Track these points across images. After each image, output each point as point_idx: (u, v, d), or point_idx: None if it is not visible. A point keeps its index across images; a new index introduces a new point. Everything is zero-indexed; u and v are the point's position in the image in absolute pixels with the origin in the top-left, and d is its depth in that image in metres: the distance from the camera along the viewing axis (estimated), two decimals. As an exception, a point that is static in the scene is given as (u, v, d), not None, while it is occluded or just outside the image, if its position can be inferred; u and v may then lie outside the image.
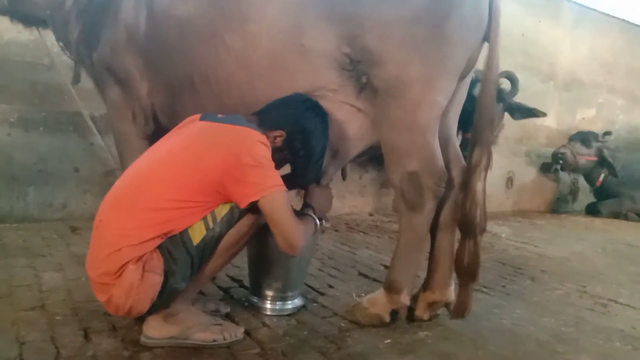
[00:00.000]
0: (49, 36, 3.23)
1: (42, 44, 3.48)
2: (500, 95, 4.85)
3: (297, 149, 1.99)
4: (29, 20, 3.22)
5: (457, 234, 2.24)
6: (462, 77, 2.16)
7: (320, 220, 2.28)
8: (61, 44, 3.10)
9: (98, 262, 1.73)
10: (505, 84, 4.99)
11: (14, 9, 3.10)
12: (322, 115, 2.05)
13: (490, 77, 2.11)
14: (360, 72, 2.05)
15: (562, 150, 6.68)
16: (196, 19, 2.30)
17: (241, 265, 2.79)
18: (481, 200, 2.10)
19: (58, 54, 3.30)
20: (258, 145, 1.79)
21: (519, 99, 5.13)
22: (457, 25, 1.99)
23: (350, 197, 5.35)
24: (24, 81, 3.88)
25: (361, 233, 4.46)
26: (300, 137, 1.98)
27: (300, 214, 2.08)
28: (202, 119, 1.96)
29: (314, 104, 2.05)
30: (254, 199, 1.75)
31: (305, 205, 2.17)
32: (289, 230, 1.81)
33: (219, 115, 1.96)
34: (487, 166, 2.10)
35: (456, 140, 2.35)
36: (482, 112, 2.13)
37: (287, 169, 2.09)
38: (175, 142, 1.90)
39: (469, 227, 2.11)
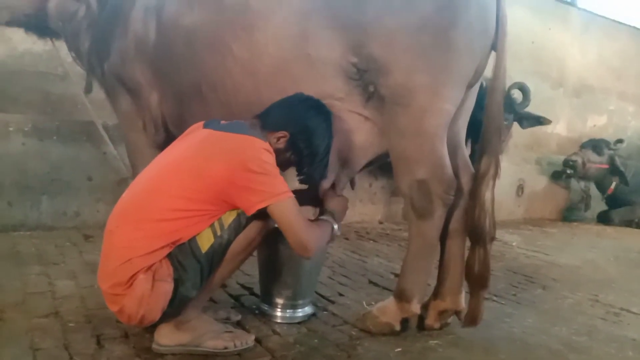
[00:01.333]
0: (62, 47, 3.28)
1: (56, 55, 3.52)
2: (512, 106, 4.85)
3: (301, 148, 1.98)
4: (42, 31, 3.27)
5: (468, 242, 2.25)
6: (471, 85, 2.17)
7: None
8: (73, 54, 3.14)
9: (108, 273, 1.75)
10: (517, 95, 4.99)
11: (28, 21, 3.15)
12: (325, 113, 2.04)
13: (497, 86, 2.12)
14: (367, 81, 2.06)
15: (574, 157, 6.64)
16: (203, 28, 2.32)
17: (252, 272, 2.80)
18: (490, 209, 2.11)
19: (71, 64, 3.35)
20: (262, 153, 1.80)
21: (529, 106, 5.13)
22: (462, 33, 2.00)
23: (360, 205, 5.35)
24: (37, 91, 3.94)
25: (371, 241, 4.46)
26: (303, 137, 1.97)
27: (317, 219, 2.08)
28: (205, 126, 1.97)
29: (315, 102, 2.04)
30: (261, 206, 1.76)
31: (324, 211, 2.17)
32: (301, 233, 1.82)
33: (222, 122, 1.96)
34: (495, 175, 2.11)
35: (465, 148, 2.35)
36: (489, 121, 2.14)
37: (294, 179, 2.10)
38: (179, 151, 1.92)
39: (478, 236, 2.12)
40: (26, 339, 1.92)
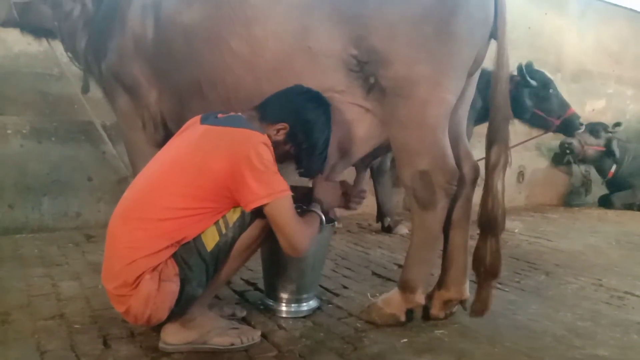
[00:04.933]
0: (58, 47, 3.27)
1: (52, 55, 3.51)
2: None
3: (301, 141, 1.96)
4: (38, 31, 3.25)
5: (471, 231, 2.26)
6: (470, 74, 2.16)
7: (331, 220, 2.28)
8: (69, 54, 3.13)
9: (113, 274, 1.75)
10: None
11: (24, 21, 3.14)
12: (324, 106, 2.02)
13: (501, 75, 2.11)
14: (368, 72, 2.05)
15: (570, 140, 6.66)
16: (201, 25, 2.31)
17: (255, 268, 2.80)
18: (502, 199, 2.11)
19: (67, 64, 3.34)
20: (261, 148, 1.77)
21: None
22: (463, 23, 1.99)
23: (361, 197, 5.33)
24: (34, 92, 3.92)
25: (373, 233, 4.46)
26: (303, 129, 1.95)
27: (305, 210, 2.07)
28: (202, 121, 1.94)
29: (315, 94, 2.02)
30: (259, 204, 1.75)
31: (312, 200, 2.15)
32: (293, 234, 1.81)
33: (219, 116, 1.94)
34: (506, 164, 2.12)
35: (466, 137, 2.35)
36: (496, 111, 2.13)
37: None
38: (178, 148, 1.90)
39: (491, 226, 2.12)
40: (32, 342, 1.92)
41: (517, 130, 6.21)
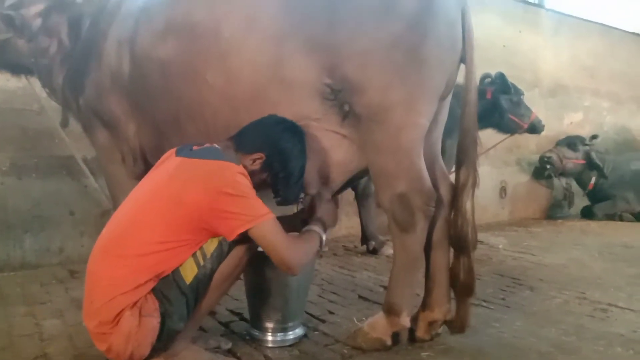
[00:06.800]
0: (37, 82, 3.28)
1: (31, 90, 3.52)
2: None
3: (277, 170, 1.99)
4: (15, 68, 3.26)
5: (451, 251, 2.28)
6: (442, 97, 2.21)
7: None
8: (47, 90, 3.14)
9: (93, 312, 1.74)
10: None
11: (0, 59, 3.15)
12: (299, 135, 2.05)
13: (470, 99, 2.16)
14: (342, 100, 2.09)
15: (548, 154, 6.77)
16: (177, 59, 2.33)
17: (241, 297, 2.79)
18: (471, 218, 2.14)
19: (47, 99, 3.35)
20: (237, 177, 1.79)
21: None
22: (433, 48, 2.04)
23: (346, 219, 5.35)
24: (14, 128, 3.90)
25: (359, 255, 4.47)
26: (279, 159, 1.98)
27: (304, 230, 2.08)
28: (177, 153, 1.95)
29: (290, 124, 2.05)
30: (242, 230, 1.76)
31: (313, 219, 2.16)
32: (283, 252, 1.82)
33: (194, 148, 1.95)
34: (474, 184, 2.15)
35: (441, 159, 2.38)
36: (465, 132, 2.18)
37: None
38: (154, 182, 1.91)
39: (462, 245, 2.15)
40: (15, 384, 1.90)
41: (497, 145, 6.31)
